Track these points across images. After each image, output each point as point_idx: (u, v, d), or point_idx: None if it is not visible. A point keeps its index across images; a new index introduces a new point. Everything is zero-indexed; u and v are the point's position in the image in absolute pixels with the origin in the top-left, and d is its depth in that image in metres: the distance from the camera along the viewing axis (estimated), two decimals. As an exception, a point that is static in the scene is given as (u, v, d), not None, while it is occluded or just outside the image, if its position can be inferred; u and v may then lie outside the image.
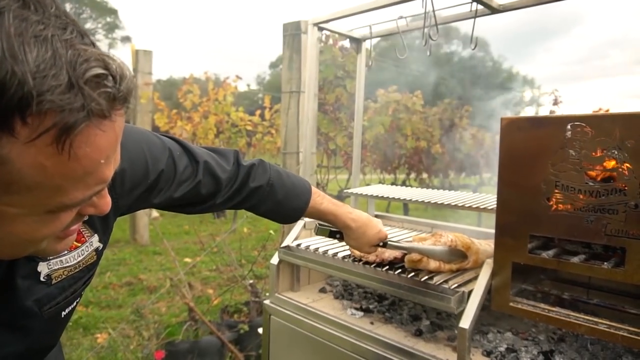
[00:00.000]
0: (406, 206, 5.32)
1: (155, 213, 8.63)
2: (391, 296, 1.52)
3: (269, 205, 1.09)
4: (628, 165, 0.91)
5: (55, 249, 0.58)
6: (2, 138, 0.40)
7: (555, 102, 5.44)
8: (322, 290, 1.59)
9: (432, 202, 1.51)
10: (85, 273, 0.74)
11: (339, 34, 1.75)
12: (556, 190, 1.00)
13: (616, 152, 0.93)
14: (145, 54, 5.63)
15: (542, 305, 1.06)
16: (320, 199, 1.16)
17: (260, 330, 2.41)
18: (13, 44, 0.39)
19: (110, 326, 3.17)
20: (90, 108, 0.43)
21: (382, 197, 1.70)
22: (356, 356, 1.26)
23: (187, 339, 2.47)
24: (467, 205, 1.42)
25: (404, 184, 6.60)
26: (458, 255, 1.18)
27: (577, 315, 1.01)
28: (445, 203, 1.47)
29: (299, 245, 1.50)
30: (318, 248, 1.44)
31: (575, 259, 1.00)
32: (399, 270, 1.21)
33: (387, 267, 1.25)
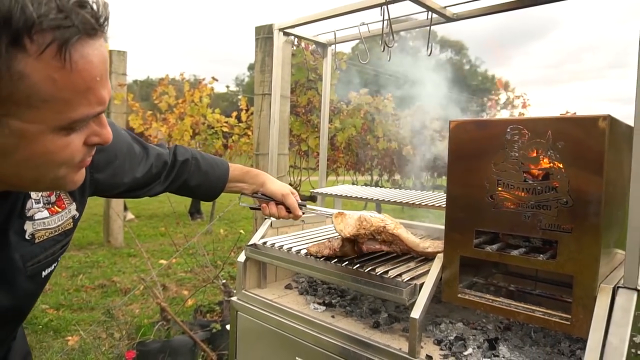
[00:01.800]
0: (379, 207, 5.42)
1: (130, 215, 8.54)
2: (353, 291, 1.58)
3: (198, 178, 1.26)
4: (559, 164, 0.99)
5: (73, 179, 0.67)
6: (17, 55, 0.51)
7: (524, 105, 5.61)
8: (288, 287, 1.65)
9: (392, 200, 1.58)
10: (63, 237, 0.83)
11: (305, 39, 1.81)
12: (498, 188, 1.08)
13: (549, 153, 1.01)
14: (119, 55, 5.59)
15: (487, 296, 1.14)
16: (237, 165, 1.36)
17: (228, 327, 2.45)
18: None
19: (82, 329, 3.15)
20: (78, 24, 0.54)
21: (347, 196, 1.77)
22: (318, 348, 1.32)
23: (159, 338, 2.48)
24: (424, 204, 1.49)
25: (376, 185, 6.71)
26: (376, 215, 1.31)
27: (517, 304, 1.08)
28: (404, 201, 1.54)
29: (265, 243, 1.55)
30: (283, 245, 1.49)
31: (515, 252, 1.08)
32: (357, 266, 1.28)
33: (347, 262, 1.31)
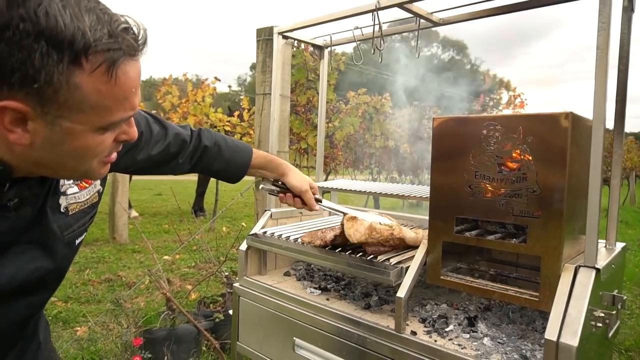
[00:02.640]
0: (377, 202, 5.53)
1: (134, 213, 8.67)
2: (347, 277, 1.69)
3: (220, 163, 1.34)
4: (529, 157, 1.10)
5: (100, 171, 0.79)
6: (75, 71, 0.63)
7: (521, 105, 5.71)
8: (287, 274, 1.76)
9: (385, 193, 1.69)
10: (91, 209, 0.97)
11: (303, 42, 1.92)
12: (476, 179, 1.19)
13: (521, 147, 1.12)
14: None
15: (467, 278, 1.25)
16: (261, 152, 1.43)
17: (230, 311, 2.56)
18: (76, 13, 0.62)
19: (90, 320, 3.28)
20: (125, 49, 0.67)
21: (342, 189, 1.88)
22: (314, 328, 1.43)
23: (165, 327, 2.60)
24: (412, 195, 1.60)
25: (374, 181, 6.81)
26: (384, 221, 1.37)
27: (493, 284, 1.19)
28: (394, 193, 1.65)
29: (265, 232, 1.66)
30: (282, 234, 1.60)
31: (491, 237, 1.19)
32: (349, 251, 1.39)
33: (340, 249, 1.42)
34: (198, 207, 8.98)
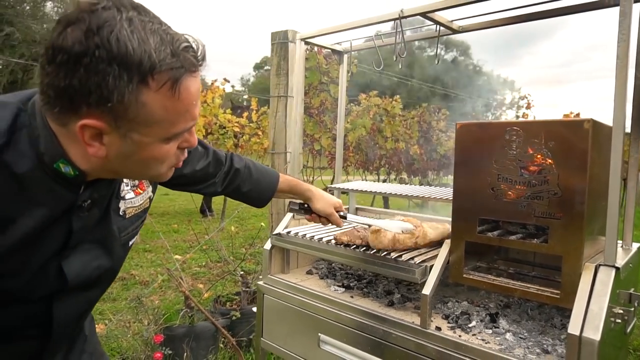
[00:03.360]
0: (387, 202, 5.58)
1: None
2: (368, 275, 1.75)
3: (249, 185, 1.40)
4: (550, 161, 1.16)
5: (167, 175, 0.88)
6: (143, 90, 0.70)
7: (528, 106, 5.75)
8: (309, 272, 1.82)
9: (400, 194, 1.75)
10: (143, 214, 1.05)
11: (324, 47, 1.98)
12: (498, 182, 1.24)
13: (542, 151, 1.17)
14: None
15: (489, 276, 1.30)
16: (287, 177, 1.49)
17: (254, 309, 2.63)
18: (142, 36, 0.69)
19: (107, 317, 3.34)
20: (186, 66, 0.73)
21: (360, 190, 1.93)
22: (339, 324, 1.49)
23: (184, 324, 2.66)
24: (429, 196, 1.66)
25: (384, 182, 6.88)
26: (407, 228, 1.43)
27: (514, 282, 1.25)
28: (409, 195, 1.71)
29: (288, 232, 1.72)
30: (305, 234, 1.66)
31: (512, 237, 1.25)
32: (374, 251, 1.45)
33: (365, 248, 1.48)
34: (206, 207, 9.05)
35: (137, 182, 1.00)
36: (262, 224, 3.03)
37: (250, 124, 6.87)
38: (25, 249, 0.81)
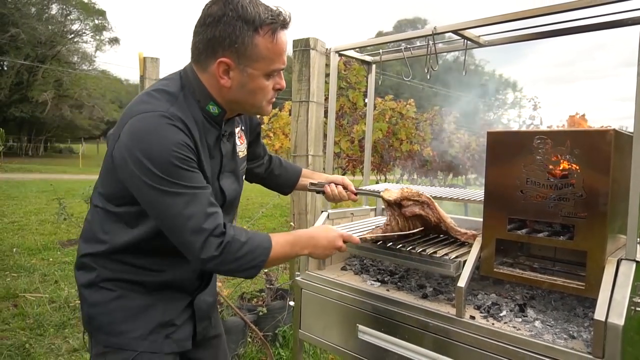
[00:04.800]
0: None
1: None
2: (400, 270, 1.89)
3: (279, 170, 1.73)
4: (576, 167, 1.29)
5: (267, 109, 1.27)
6: (255, 35, 1.13)
7: (535, 108, 5.88)
8: (343, 269, 1.95)
9: (438, 196, 1.88)
10: (245, 159, 1.45)
11: (355, 58, 2.12)
12: (527, 185, 1.38)
13: (568, 157, 1.30)
14: (153, 61, 5.91)
15: (517, 270, 1.44)
16: (308, 169, 1.83)
17: (291, 303, 2.76)
18: (255, 4, 1.13)
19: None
20: (279, 23, 1.15)
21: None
22: (376, 315, 1.63)
23: (215, 319, 2.81)
24: (460, 198, 1.79)
25: (397, 183, 7.04)
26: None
27: (542, 276, 1.38)
28: (448, 197, 1.84)
29: (325, 231, 1.85)
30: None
31: (540, 235, 1.38)
32: (410, 247, 1.58)
33: (400, 245, 1.62)
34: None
35: (240, 133, 1.40)
36: (292, 223, 3.16)
37: (262, 126, 6.99)
38: (206, 168, 1.19)
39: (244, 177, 1.42)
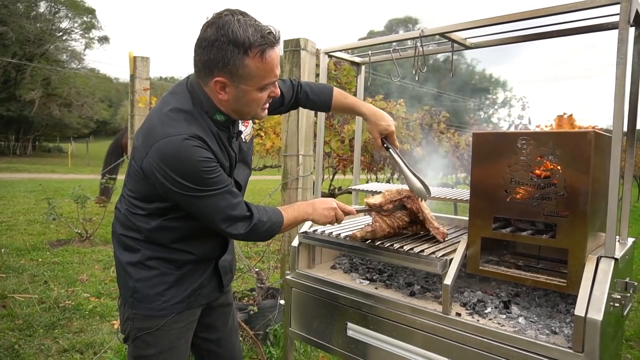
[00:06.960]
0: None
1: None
2: (389, 269, 1.92)
3: (311, 95, 1.78)
4: (558, 167, 1.32)
5: (261, 114, 1.41)
6: (245, 58, 1.24)
7: (523, 108, 5.95)
8: (333, 267, 1.98)
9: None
10: (252, 141, 1.62)
11: (344, 59, 2.14)
12: (511, 184, 1.41)
13: (551, 158, 1.34)
14: (143, 61, 5.89)
15: (502, 268, 1.47)
16: (343, 92, 1.83)
17: (282, 301, 2.78)
18: (245, 28, 1.23)
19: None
20: (268, 43, 1.25)
21: (379, 192, 2.09)
22: (365, 313, 1.65)
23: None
24: (447, 197, 1.83)
25: (388, 182, 7.09)
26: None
27: (525, 273, 1.42)
28: (436, 196, 1.87)
29: (315, 230, 1.88)
30: (332, 232, 1.82)
31: (524, 233, 1.42)
32: (398, 246, 1.61)
33: (388, 244, 1.64)
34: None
35: (243, 121, 1.54)
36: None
37: (253, 125, 6.99)
38: (225, 168, 1.39)
39: (250, 158, 1.61)
